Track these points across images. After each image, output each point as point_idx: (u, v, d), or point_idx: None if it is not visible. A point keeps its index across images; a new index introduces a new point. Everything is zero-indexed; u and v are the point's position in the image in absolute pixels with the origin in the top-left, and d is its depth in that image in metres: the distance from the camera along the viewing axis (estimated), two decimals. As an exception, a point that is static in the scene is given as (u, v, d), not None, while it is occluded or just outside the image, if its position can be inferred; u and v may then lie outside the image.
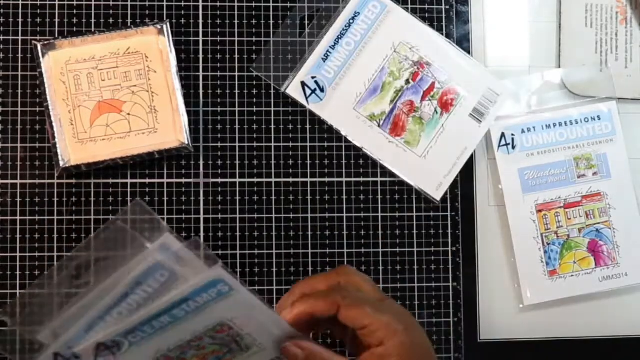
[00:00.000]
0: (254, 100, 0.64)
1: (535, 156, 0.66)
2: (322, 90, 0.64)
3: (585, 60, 0.67)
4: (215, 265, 0.44)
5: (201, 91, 0.64)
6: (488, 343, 0.65)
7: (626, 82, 0.67)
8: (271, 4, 0.65)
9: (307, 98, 0.64)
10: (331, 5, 0.65)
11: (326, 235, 0.64)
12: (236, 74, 0.64)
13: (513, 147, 0.65)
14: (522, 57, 0.67)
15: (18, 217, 0.62)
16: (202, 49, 0.64)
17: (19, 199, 0.62)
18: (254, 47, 0.64)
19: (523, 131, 0.66)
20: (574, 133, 0.66)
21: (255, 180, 0.64)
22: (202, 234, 0.63)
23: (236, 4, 0.65)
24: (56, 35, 0.63)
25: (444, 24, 0.66)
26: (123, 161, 0.61)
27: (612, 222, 0.66)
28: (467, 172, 0.66)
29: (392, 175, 0.65)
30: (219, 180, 0.63)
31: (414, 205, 0.65)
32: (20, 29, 0.63)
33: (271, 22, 0.65)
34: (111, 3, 0.63)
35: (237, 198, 0.63)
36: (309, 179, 0.64)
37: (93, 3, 0.63)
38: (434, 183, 0.65)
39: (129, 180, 0.63)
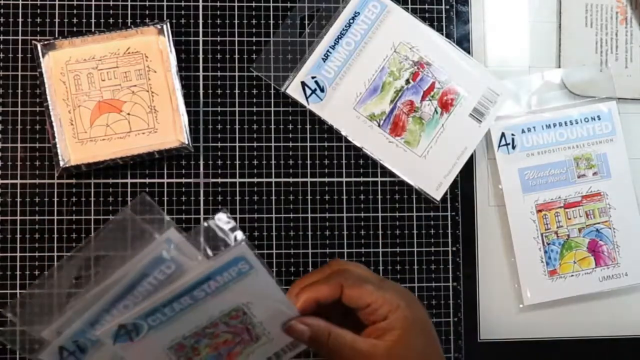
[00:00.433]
0: (254, 100, 0.64)
1: (535, 156, 0.66)
2: (322, 90, 0.64)
3: (585, 60, 0.67)
4: (240, 243, 0.45)
5: (201, 91, 0.64)
6: (488, 343, 0.65)
7: (626, 82, 0.67)
8: (271, 4, 0.65)
9: (307, 98, 0.64)
10: (331, 5, 0.65)
11: (326, 235, 0.64)
12: (236, 74, 0.64)
13: (513, 147, 0.65)
14: (522, 57, 0.67)
15: (18, 217, 0.62)
16: (202, 49, 0.64)
17: (19, 199, 0.62)
18: (254, 47, 0.64)
19: (523, 131, 0.66)
20: (574, 133, 0.66)
21: (255, 180, 0.64)
22: (201, 234, 0.63)
23: (236, 4, 0.65)
24: (56, 35, 0.63)
25: (444, 24, 0.66)
26: (123, 161, 0.61)
27: (612, 222, 0.66)
28: (467, 172, 0.66)
29: (392, 175, 0.65)
30: (219, 180, 0.63)
31: (414, 205, 0.65)
32: (20, 29, 0.63)
33: (271, 22, 0.65)
34: (111, 3, 0.63)
35: (237, 198, 0.63)
36: (309, 179, 0.64)
37: (93, 3, 0.63)
38: (434, 183, 0.65)
39: (129, 180, 0.63)
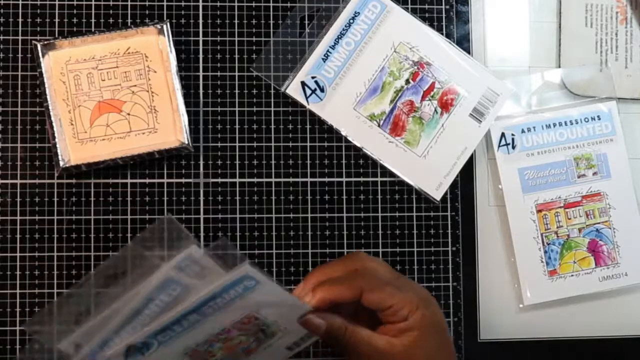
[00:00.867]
0: (254, 100, 0.64)
1: (535, 156, 0.66)
2: (322, 90, 0.64)
3: (585, 60, 0.67)
4: (243, 263, 0.45)
5: (201, 91, 0.64)
6: (488, 343, 0.65)
7: (626, 82, 0.67)
8: (271, 4, 0.65)
9: (307, 98, 0.64)
10: (331, 5, 0.65)
11: (326, 235, 0.64)
12: (236, 74, 0.64)
13: (513, 147, 0.65)
14: (522, 57, 0.67)
15: (18, 217, 0.62)
16: (202, 49, 0.64)
17: (19, 199, 0.62)
18: (254, 47, 0.64)
19: (523, 131, 0.66)
20: (574, 133, 0.66)
21: (255, 180, 0.64)
22: (202, 234, 0.63)
23: (236, 4, 0.65)
24: (56, 35, 0.63)
25: (444, 24, 0.66)
26: (123, 161, 0.61)
27: (612, 222, 0.66)
28: (467, 172, 0.66)
29: (392, 175, 0.65)
30: (219, 180, 0.63)
31: (414, 205, 0.65)
32: (20, 29, 0.63)
33: (271, 22, 0.65)
34: (111, 3, 0.63)
35: (237, 198, 0.63)
36: (309, 179, 0.64)
37: (93, 3, 0.63)
38: (434, 183, 0.65)
39: (129, 180, 0.63)
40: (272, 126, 0.64)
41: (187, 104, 0.62)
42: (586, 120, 0.66)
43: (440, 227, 0.65)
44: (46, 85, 0.61)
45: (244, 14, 0.65)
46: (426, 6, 0.66)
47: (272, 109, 0.64)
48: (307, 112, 0.64)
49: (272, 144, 0.64)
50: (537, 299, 0.65)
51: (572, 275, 0.65)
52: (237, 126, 0.64)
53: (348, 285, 0.50)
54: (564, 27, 0.67)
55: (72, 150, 0.61)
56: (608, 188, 0.66)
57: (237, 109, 0.64)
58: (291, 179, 0.64)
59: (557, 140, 0.66)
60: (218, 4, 0.64)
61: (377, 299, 0.50)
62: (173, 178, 0.63)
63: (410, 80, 0.65)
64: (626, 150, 0.66)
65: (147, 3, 0.64)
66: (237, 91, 0.64)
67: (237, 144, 0.64)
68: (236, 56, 0.64)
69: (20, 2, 0.63)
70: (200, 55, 0.64)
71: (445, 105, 0.65)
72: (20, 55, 0.62)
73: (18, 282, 0.61)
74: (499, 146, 0.65)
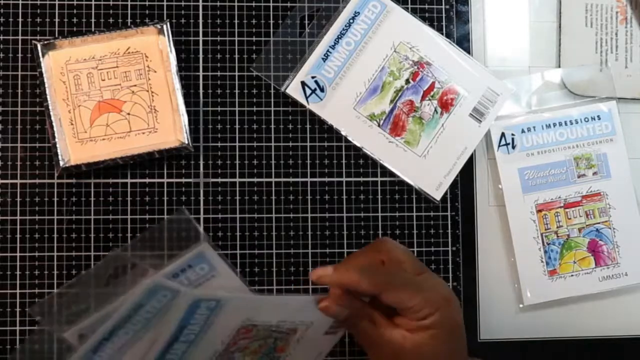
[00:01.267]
0: (254, 100, 0.64)
1: (535, 156, 0.66)
2: (322, 90, 0.64)
3: (585, 60, 0.67)
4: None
5: (201, 91, 0.64)
6: (488, 343, 0.65)
7: (626, 82, 0.67)
8: (271, 4, 0.65)
9: (307, 98, 0.64)
10: (331, 5, 0.65)
11: (326, 235, 0.64)
12: (236, 74, 0.64)
13: (513, 147, 0.65)
14: (522, 57, 0.67)
15: (18, 217, 0.62)
16: (202, 49, 0.64)
17: (19, 199, 0.62)
18: (254, 47, 0.64)
19: (523, 131, 0.66)
20: (574, 133, 0.66)
21: (255, 180, 0.64)
22: (201, 234, 0.63)
23: (236, 4, 0.65)
24: (56, 35, 0.63)
25: (444, 24, 0.66)
26: (123, 161, 0.61)
27: (612, 222, 0.66)
28: (467, 172, 0.66)
29: (392, 175, 0.65)
30: (219, 180, 0.63)
31: (414, 205, 0.65)
32: (20, 29, 0.63)
33: (271, 22, 0.65)
34: (111, 3, 0.63)
35: (237, 198, 0.63)
36: (309, 179, 0.64)
37: (93, 3, 0.63)
38: (434, 183, 0.65)
39: (129, 180, 0.63)
40: (272, 126, 0.64)
41: (187, 104, 0.62)
42: (586, 120, 0.66)
43: (440, 227, 0.65)
44: (46, 85, 0.61)
45: (244, 14, 0.65)
46: (426, 6, 0.66)
47: (272, 108, 0.64)
48: (307, 112, 0.64)
49: (272, 144, 0.64)
50: (537, 299, 0.65)
51: (572, 275, 0.65)
52: (237, 126, 0.64)
53: (369, 281, 0.49)
54: (564, 27, 0.67)
55: (72, 150, 0.61)
56: (608, 188, 0.66)
57: (237, 108, 0.64)
58: (291, 179, 0.64)
59: (557, 140, 0.66)
60: (218, 4, 0.64)
61: (397, 299, 0.50)
62: (173, 178, 0.63)
63: (410, 80, 0.65)
64: (626, 150, 0.66)
65: (147, 3, 0.64)
66: (237, 91, 0.64)
67: (237, 144, 0.64)
68: (236, 56, 0.64)
69: (20, 2, 0.63)
70: (200, 55, 0.64)
71: (445, 105, 0.65)
72: (20, 55, 0.62)
73: (18, 282, 0.61)
74: (499, 146, 0.65)
